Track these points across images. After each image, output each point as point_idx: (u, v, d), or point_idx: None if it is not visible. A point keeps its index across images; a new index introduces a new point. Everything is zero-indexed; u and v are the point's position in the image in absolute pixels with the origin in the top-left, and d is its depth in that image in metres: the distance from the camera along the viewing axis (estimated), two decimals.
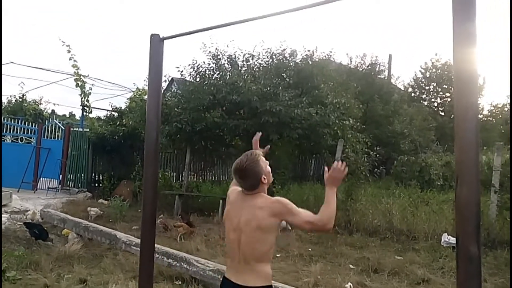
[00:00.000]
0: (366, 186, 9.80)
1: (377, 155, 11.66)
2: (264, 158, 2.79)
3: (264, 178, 2.71)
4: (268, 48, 11.31)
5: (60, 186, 12.76)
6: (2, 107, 14.76)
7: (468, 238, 2.23)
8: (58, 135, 14.02)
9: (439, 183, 11.99)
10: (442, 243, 6.69)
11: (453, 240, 6.27)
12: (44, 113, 20.88)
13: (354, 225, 7.76)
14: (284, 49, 11.38)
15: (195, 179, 12.95)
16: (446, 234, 6.82)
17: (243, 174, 2.72)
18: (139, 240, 3.79)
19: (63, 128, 13.79)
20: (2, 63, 3.81)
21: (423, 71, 29.26)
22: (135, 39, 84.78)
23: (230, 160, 10.93)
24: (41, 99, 22.77)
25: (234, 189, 2.89)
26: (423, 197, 9.60)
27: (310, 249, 6.60)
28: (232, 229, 2.72)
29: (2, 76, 5.72)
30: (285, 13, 2.98)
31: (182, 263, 5.00)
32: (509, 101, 24.24)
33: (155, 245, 3.82)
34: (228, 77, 10.01)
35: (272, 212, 2.59)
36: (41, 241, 6.37)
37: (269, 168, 2.78)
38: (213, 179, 13.78)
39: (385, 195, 9.41)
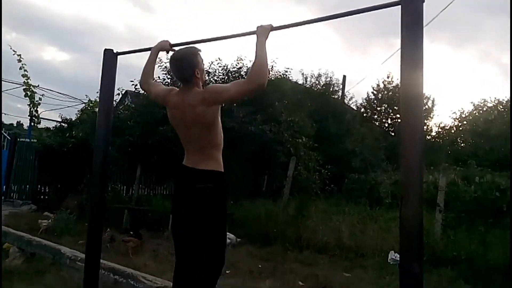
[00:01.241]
0: (317, 203, 9.92)
1: (329, 173, 11.84)
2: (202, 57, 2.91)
3: (198, 73, 2.81)
4: (225, 65, 11.35)
5: (3, 197, 12.22)
6: None
7: (411, 256, 2.31)
8: (3, 145, 13.49)
9: (387, 201, 12.25)
10: (389, 261, 6.81)
11: (399, 257, 6.40)
12: None
13: (304, 242, 7.78)
14: (240, 67, 11.45)
15: (145, 193, 12.74)
16: (393, 251, 6.96)
17: (179, 63, 2.85)
18: (84, 255, 3.68)
19: (9, 138, 13.30)
20: None
21: (375, 92, 30.10)
22: (92, 51, 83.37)
23: None
24: None
25: (169, 90, 3.01)
26: (372, 214, 9.77)
27: (260, 266, 6.58)
28: (181, 128, 2.90)
29: None
30: (239, 37, 3.03)
31: (129, 280, 4.86)
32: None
33: (101, 260, 3.73)
34: None
35: (206, 102, 2.71)
36: None
37: (203, 66, 2.90)
38: (164, 193, 13.58)
39: (335, 212, 9.53)
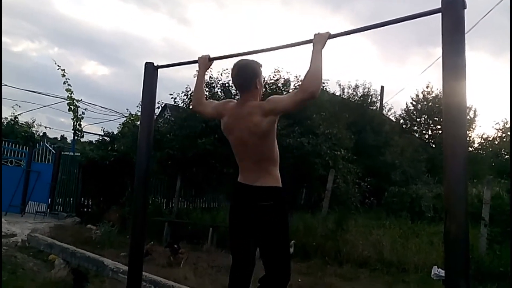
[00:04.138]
0: (356, 217, 9.79)
1: (368, 186, 11.67)
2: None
3: (258, 83, 2.85)
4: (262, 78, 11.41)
5: (48, 210, 12.59)
6: None
7: (457, 273, 2.23)
8: (48, 159, 13.89)
9: (429, 215, 11.99)
10: (432, 276, 6.64)
11: (443, 273, 6.22)
12: (35, 136, 20.78)
13: (344, 256, 7.68)
14: (278, 79, 11.47)
15: (185, 206, 12.86)
16: (436, 266, 6.78)
17: (242, 70, 2.85)
18: (127, 267, 3.74)
19: (54, 151, 13.71)
20: None
21: (414, 103, 29.59)
22: (130, 65, 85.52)
23: (221, 187, 10.91)
24: (33, 122, 22.64)
25: (226, 103, 3.02)
26: (413, 228, 9.57)
27: (299, 280, 6.52)
28: (236, 139, 2.86)
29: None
30: (295, 46, 2.99)
31: None
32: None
33: (143, 272, 3.78)
34: None
35: (264, 112, 2.69)
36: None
37: (262, 81, 2.92)
38: (203, 206, 13.68)
39: (375, 226, 9.38)
